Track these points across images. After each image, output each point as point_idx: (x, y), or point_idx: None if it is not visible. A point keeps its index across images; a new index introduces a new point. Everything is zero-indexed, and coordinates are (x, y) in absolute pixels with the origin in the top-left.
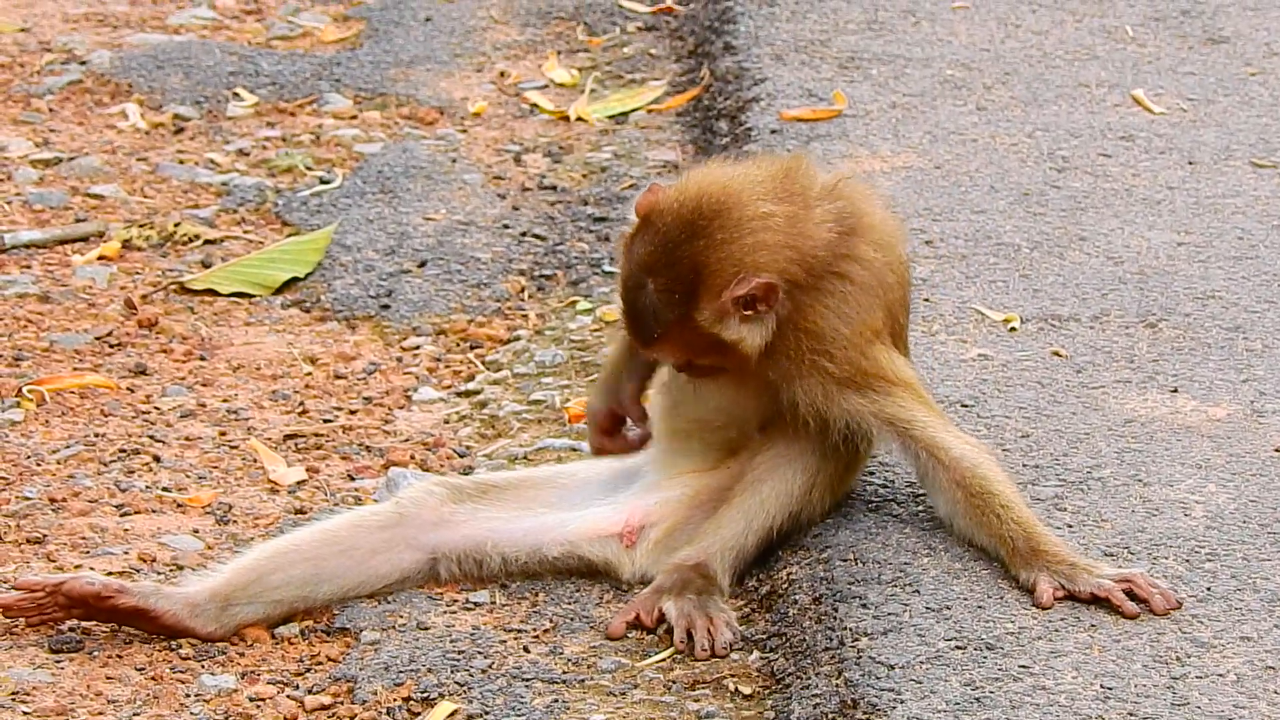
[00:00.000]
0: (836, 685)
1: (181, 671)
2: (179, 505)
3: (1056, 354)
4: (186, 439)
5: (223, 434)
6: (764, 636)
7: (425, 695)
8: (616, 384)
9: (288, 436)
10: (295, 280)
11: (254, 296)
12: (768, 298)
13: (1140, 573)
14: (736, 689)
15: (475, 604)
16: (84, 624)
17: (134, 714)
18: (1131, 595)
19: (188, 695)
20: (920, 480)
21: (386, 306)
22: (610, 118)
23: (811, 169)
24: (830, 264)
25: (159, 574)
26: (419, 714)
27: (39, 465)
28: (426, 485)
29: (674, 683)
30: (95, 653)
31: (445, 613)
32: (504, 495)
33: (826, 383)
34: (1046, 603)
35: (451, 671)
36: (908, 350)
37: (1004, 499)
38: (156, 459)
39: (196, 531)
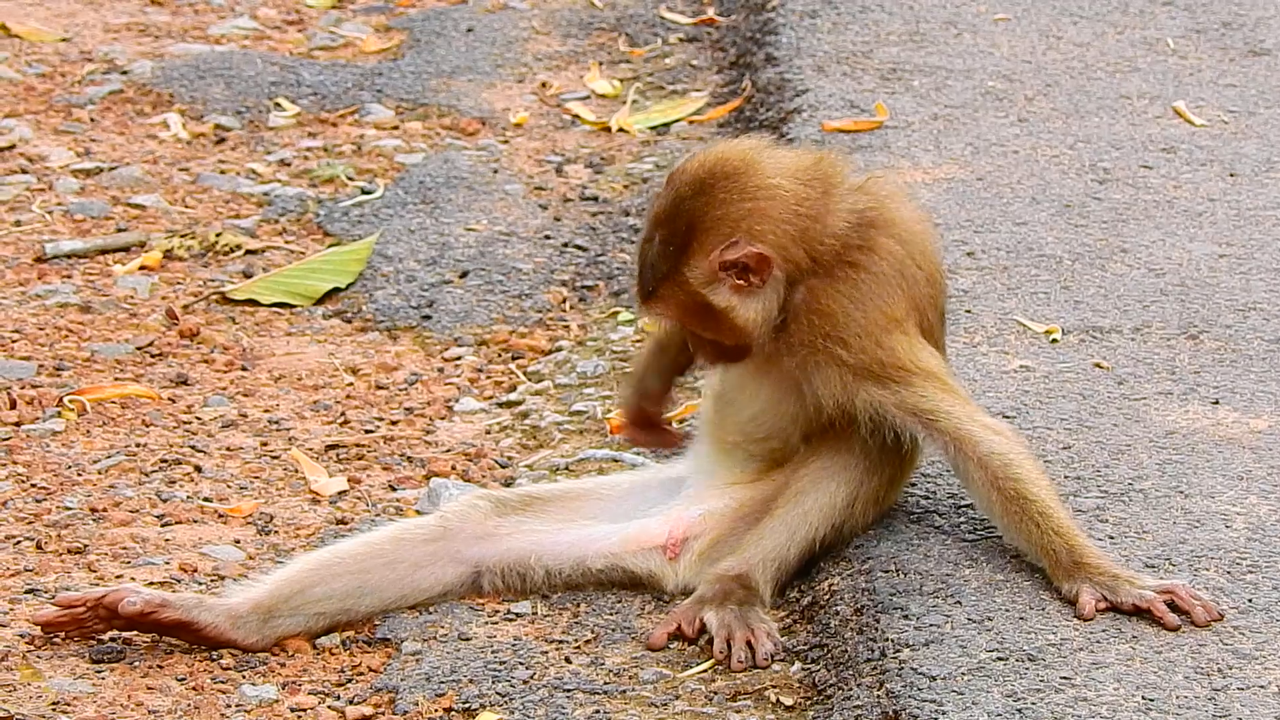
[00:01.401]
0: (878, 696)
1: (222, 682)
2: (220, 515)
3: (1098, 366)
4: (228, 449)
5: (264, 444)
6: (805, 648)
7: (467, 706)
8: (643, 382)
9: (329, 447)
10: (337, 290)
11: (295, 307)
12: (760, 270)
13: (1182, 584)
14: (778, 700)
15: (517, 615)
16: (125, 634)
17: None
18: (1173, 607)
19: (229, 706)
20: (953, 471)
21: (428, 317)
22: (652, 129)
23: (844, 164)
24: (844, 253)
25: (200, 584)
26: None
27: (80, 475)
28: (470, 498)
29: (715, 694)
30: (136, 663)
31: (487, 623)
32: (547, 507)
33: (843, 372)
34: (1089, 614)
35: (493, 682)
36: (944, 356)
37: (1041, 505)
38: (198, 469)
39: (238, 542)
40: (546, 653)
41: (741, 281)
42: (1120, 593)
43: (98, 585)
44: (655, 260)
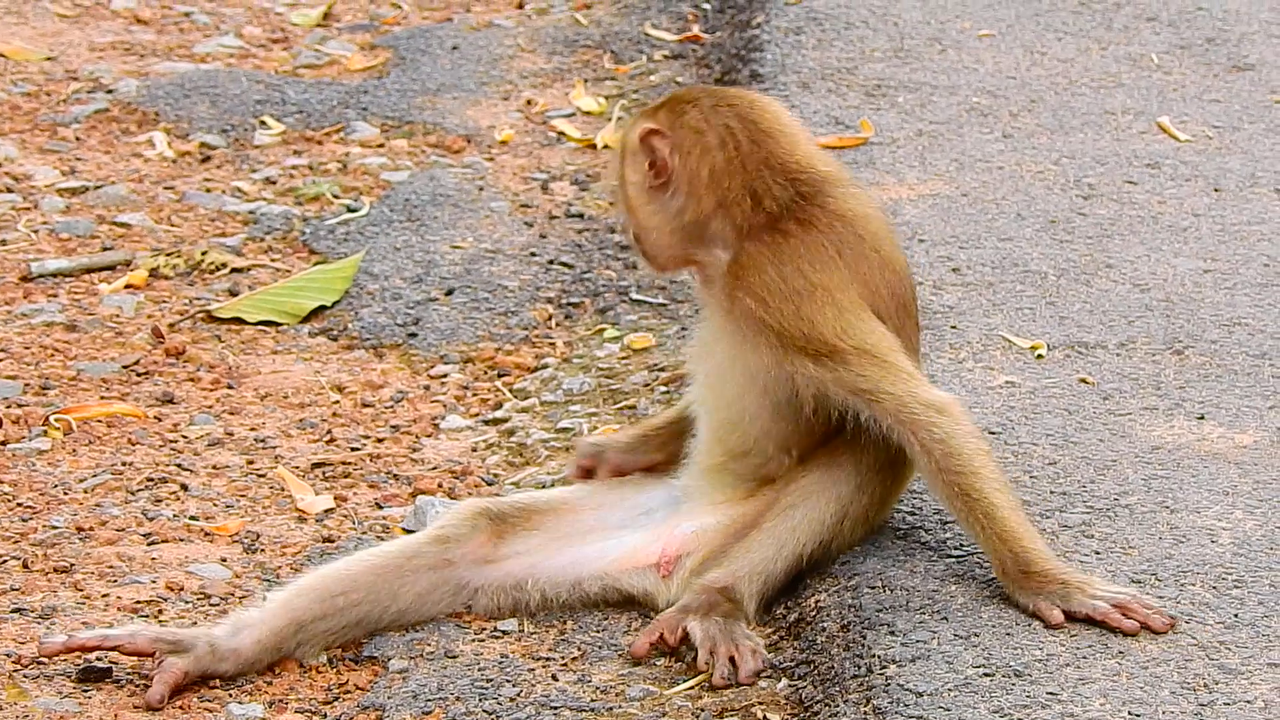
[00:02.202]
0: (865, 713)
1: (209, 700)
2: (207, 534)
3: (1083, 381)
4: (214, 467)
5: (250, 462)
6: (792, 664)
7: None
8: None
9: (315, 465)
10: (322, 308)
11: (281, 325)
12: (669, 161)
13: (1133, 594)
14: (765, 717)
15: (504, 632)
16: (110, 653)
17: None
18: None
19: None
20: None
21: (414, 335)
22: None
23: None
24: (779, 221)
25: (186, 602)
26: None
27: (66, 494)
28: (470, 515)
29: (702, 710)
30: (123, 681)
31: (473, 641)
32: (545, 521)
33: (769, 337)
34: (1056, 622)
35: (480, 700)
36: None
37: (985, 505)
38: (184, 487)
39: (224, 560)
40: (533, 670)
41: (660, 180)
42: (1072, 602)
43: (84, 604)
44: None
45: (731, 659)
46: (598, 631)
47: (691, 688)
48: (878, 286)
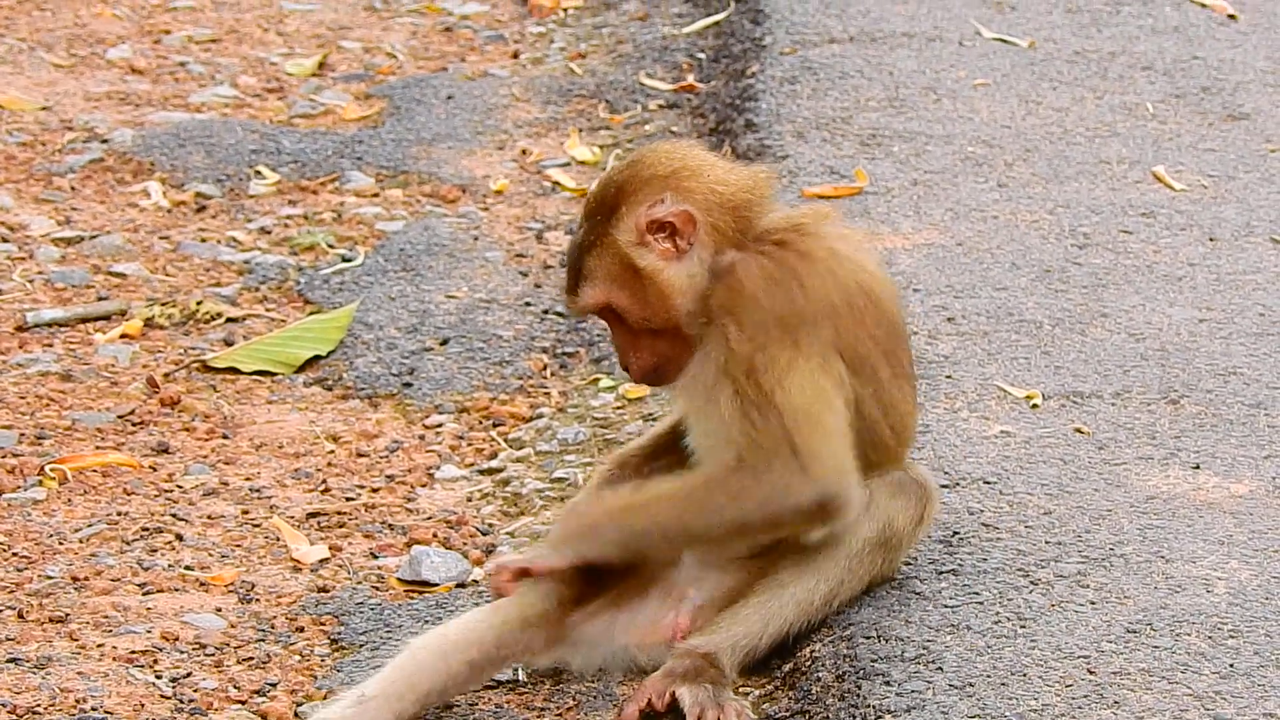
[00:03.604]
0: None
1: None
2: (202, 584)
3: (1079, 431)
4: (209, 517)
5: (245, 512)
6: (787, 715)
7: None
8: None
9: (310, 515)
10: (317, 358)
11: (276, 375)
12: (686, 229)
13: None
14: None
15: (499, 682)
16: (105, 705)
17: None
18: None
19: None
20: None
21: (409, 384)
22: None
23: (773, 179)
24: (775, 238)
25: (181, 652)
26: None
27: (61, 544)
28: (546, 600)
29: None
30: None
31: (470, 691)
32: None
33: (726, 355)
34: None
35: None
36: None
37: (648, 501)
38: (179, 537)
39: (219, 610)
40: None
41: (669, 246)
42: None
43: (79, 654)
44: (583, 239)
45: None
46: (592, 681)
47: None
48: (847, 332)
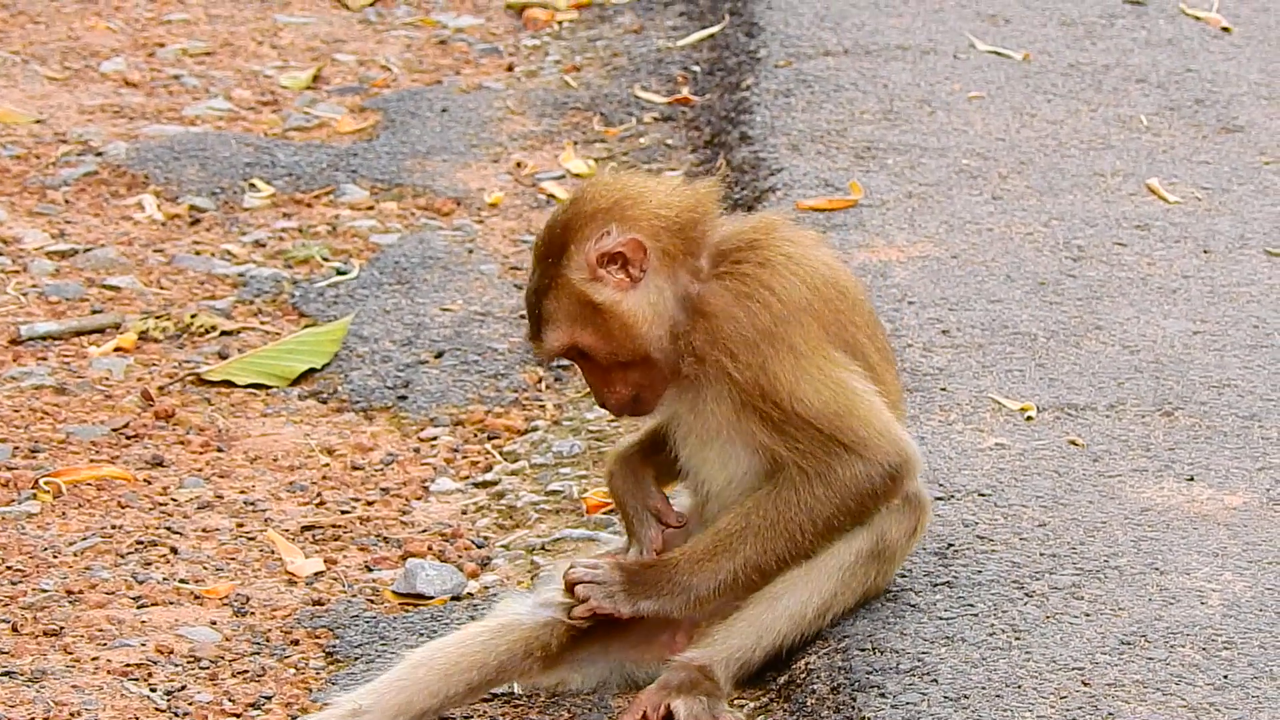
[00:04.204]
0: None
1: None
2: (196, 597)
3: (1073, 443)
4: (204, 530)
5: (240, 525)
6: None
7: None
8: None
9: (305, 528)
10: (312, 371)
11: (271, 388)
12: (637, 257)
13: None
14: None
15: (494, 694)
16: None
17: None
18: None
19: None
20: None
21: (403, 397)
22: None
23: (718, 192)
24: (732, 263)
25: (176, 665)
26: None
27: (56, 557)
28: (550, 632)
29: None
30: None
31: (464, 706)
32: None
33: (734, 390)
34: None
35: None
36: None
37: (734, 538)
38: (174, 550)
39: (214, 623)
40: None
41: (623, 276)
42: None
43: (73, 667)
44: (538, 284)
45: None
46: (588, 694)
47: None
48: (829, 325)
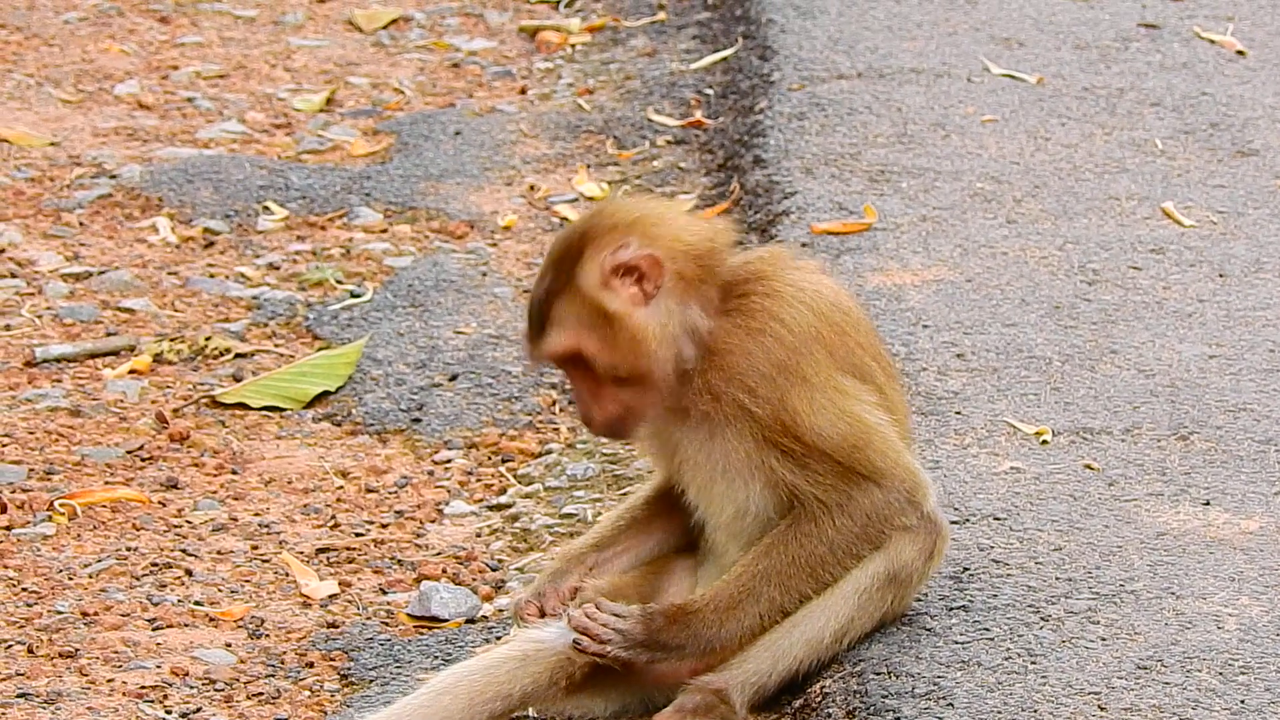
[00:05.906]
0: None
1: None
2: (211, 619)
3: (1088, 467)
4: (218, 553)
5: (254, 548)
6: None
7: None
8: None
9: (319, 550)
10: (326, 394)
11: (285, 410)
12: (654, 274)
13: None
14: None
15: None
16: None
17: None
18: None
19: None
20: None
21: (418, 420)
22: None
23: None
24: (741, 296)
25: (191, 688)
26: None
27: (71, 579)
28: (575, 667)
29: None
30: None
31: None
32: None
33: (753, 427)
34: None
35: None
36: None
37: (752, 572)
38: (188, 573)
39: (229, 645)
40: None
41: (636, 290)
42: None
43: (89, 689)
44: (549, 286)
45: None
46: (605, 716)
47: None
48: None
